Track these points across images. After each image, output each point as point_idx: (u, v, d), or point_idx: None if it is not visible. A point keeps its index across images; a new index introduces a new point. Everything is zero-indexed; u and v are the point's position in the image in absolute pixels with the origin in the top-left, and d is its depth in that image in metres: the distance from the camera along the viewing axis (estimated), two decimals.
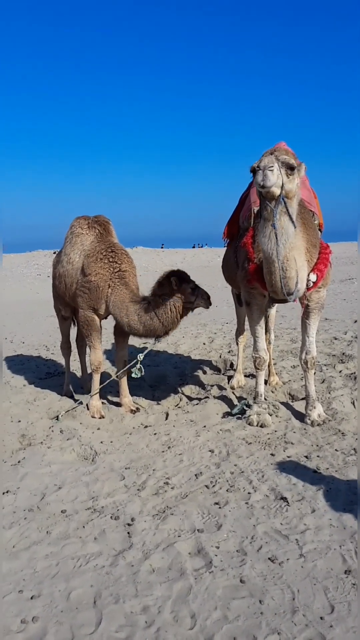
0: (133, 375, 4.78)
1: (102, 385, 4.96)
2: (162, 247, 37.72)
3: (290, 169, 3.55)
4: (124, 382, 5.01)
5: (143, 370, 4.78)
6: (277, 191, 3.55)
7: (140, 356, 4.79)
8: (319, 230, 4.63)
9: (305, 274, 4.07)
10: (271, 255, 3.75)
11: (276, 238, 3.67)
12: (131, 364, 4.86)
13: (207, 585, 2.48)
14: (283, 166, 3.53)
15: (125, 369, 4.95)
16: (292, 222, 3.66)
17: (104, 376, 5.51)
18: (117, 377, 5.01)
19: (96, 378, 4.91)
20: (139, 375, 4.77)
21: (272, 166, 3.46)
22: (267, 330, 5.52)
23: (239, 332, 5.66)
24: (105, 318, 4.96)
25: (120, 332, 5.05)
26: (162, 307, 4.41)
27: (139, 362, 4.74)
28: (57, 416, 4.68)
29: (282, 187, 3.54)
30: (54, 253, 5.43)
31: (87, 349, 5.32)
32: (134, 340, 7.46)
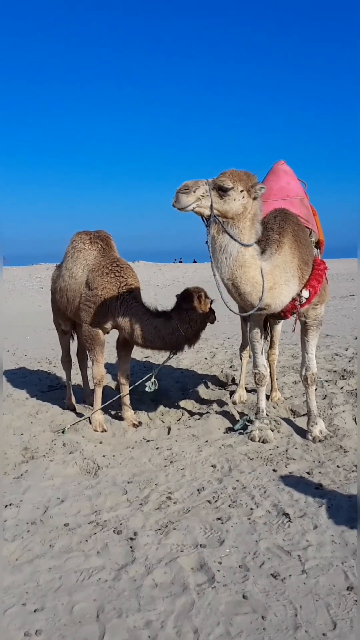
0: (147, 389, 4.87)
1: (112, 400, 5.00)
2: (175, 261, 37.97)
3: (222, 190, 3.68)
4: (126, 397, 5.03)
5: (157, 384, 4.88)
6: (203, 211, 3.72)
7: (155, 370, 4.86)
8: (317, 247, 4.68)
9: (290, 289, 4.12)
10: (212, 270, 3.88)
11: (210, 254, 3.84)
12: (145, 377, 4.94)
13: (210, 601, 2.49)
14: (215, 188, 3.68)
15: (138, 382, 5.01)
16: (237, 240, 3.75)
17: (107, 390, 5.54)
18: (123, 392, 5.04)
19: (98, 392, 4.93)
20: (152, 390, 4.86)
21: (187, 189, 3.65)
22: (271, 346, 5.56)
23: (244, 346, 5.69)
24: (108, 332, 5.00)
25: (124, 346, 5.08)
26: (188, 321, 4.56)
27: (153, 376, 4.83)
28: (63, 429, 4.71)
29: (211, 207, 3.68)
30: (57, 266, 5.52)
31: (89, 362, 5.34)
32: (135, 354, 7.49)
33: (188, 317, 4.56)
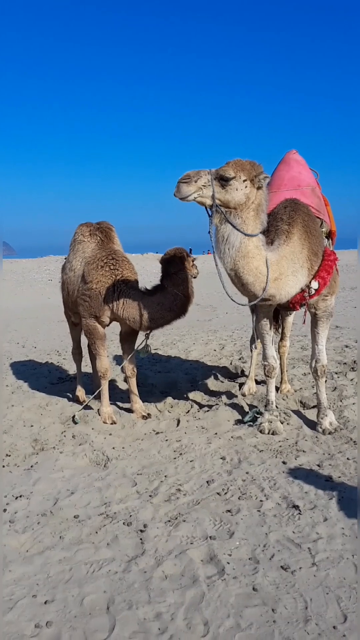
0: (141, 355, 4.94)
1: (94, 395, 5.00)
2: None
3: (223, 180, 3.67)
4: (134, 388, 5.02)
5: (151, 349, 4.96)
6: (205, 201, 3.72)
7: (147, 336, 4.89)
8: (329, 237, 4.64)
9: (297, 280, 4.10)
10: (214, 259, 3.87)
11: (213, 244, 3.85)
12: (139, 345, 4.96)
13: (220, 593, 2.49)
14: (217, 178, 3.68)
15: (133, 353, 5.03)
16: (240, 230, 3.74)
17: (112, 382, 5.55)
18: (123, 370, 5.09)
19: (104, 385, 4.92)
20: (144, 356, 4.95)
21: (189, 179, 3.65)
22: (282, 338, 5.53)
23: (255, 338, 5.66)
24: (108, 325, 4.96)
25: (127, 339, 5.06)
26: (181, 282, 4.57)
27: (146, 342, 4.87)
28: (74, 417, 4.73)
29: (212, 197, 3.67)
30: (65, 258, 5.54)
31: None
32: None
33: (179, 278, 4.58)
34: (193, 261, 4.69)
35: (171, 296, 4.56)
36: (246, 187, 3.70)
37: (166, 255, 4.68)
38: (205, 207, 3.78)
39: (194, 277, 4.71)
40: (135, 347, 5.03)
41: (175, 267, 4.59)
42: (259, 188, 3.75)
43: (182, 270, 4.58)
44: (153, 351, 7.44)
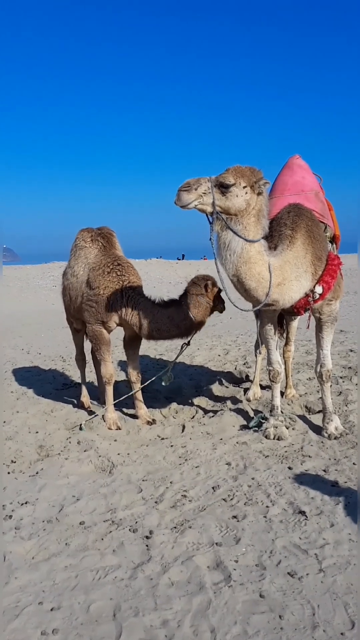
0: (163, 383, 4.98)
1: (124, 397, 5.07)
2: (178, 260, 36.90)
3: (223, 187, 3.69)
4: (139, 394, 5.02)
5: (172, 377, 5.01)
6: (205, 208, 3.74)
7: (171, 364, 4.94)
8: (333, 241, 4.63)
9: (301, 285, 4.10)
10: (216, 266, 3.89)
11: (215, 251, 3.86)
12: (162, 372, 5.01)
13: (227, 600, 2.47)
14: (217, 185, 3.70)
15: (154, 378, 5.07)
16: (241, 236, 3.75)
17: (119, 387, 5.55)
18: (133, 392, 5.05)
19: (109, 390, 4.92)
20: (167, 383, 4.99)
21: (189, 187, 3.68)
22: (287, 343, 5.51)
23: (259, 343, 5.65)
24: (112, 331, 4.97)
25: (130, 345, 5.06)
26: (198, 306, 4.57)
27: (170, 371, 4.92)
28: (80, 425, 4.72)
29: (213, 204, 3.69)
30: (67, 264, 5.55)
31: None
32: (149, 352, 7.50)
33: (198, 302, 4.58)
34: (219, 293, 4.67)
35: (183, 315, 4.58)
36: (246, 193, 3.72)
37: (194, 277, 4.71)
38: (206, 214, 3.80)
39: (220, 312, 4.71)
40: (158, 375, 5.09)
41: (197, 289, 4.61)
42: (259, 194, 3.77)
43: (203, 295, 4.59)
44: (157, 356, 7.45)
